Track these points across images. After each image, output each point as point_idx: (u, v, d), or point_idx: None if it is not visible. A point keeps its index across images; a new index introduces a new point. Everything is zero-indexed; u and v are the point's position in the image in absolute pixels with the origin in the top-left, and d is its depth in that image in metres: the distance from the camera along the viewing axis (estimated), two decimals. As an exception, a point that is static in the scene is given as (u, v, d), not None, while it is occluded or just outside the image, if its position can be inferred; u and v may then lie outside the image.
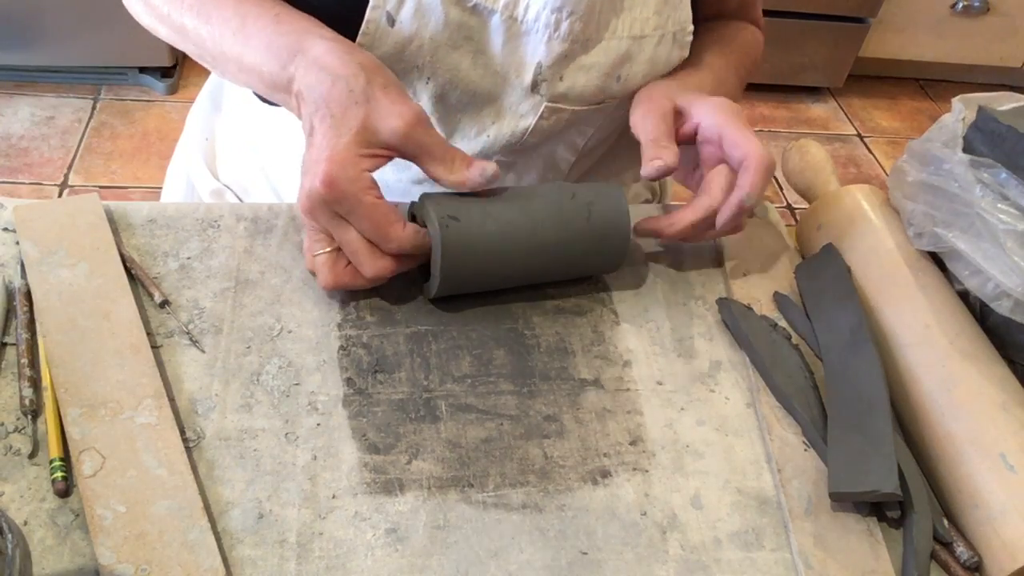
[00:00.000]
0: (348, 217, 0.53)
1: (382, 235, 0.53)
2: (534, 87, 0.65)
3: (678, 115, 0.64)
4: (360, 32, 0.62)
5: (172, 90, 2.10)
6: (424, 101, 0.67)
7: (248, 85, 0.63)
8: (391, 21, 0.61)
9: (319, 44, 0.56)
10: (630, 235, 0.61)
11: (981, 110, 0.60)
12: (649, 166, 0.60)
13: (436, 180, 0.57)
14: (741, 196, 0.59)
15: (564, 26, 0.62)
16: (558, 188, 0.60)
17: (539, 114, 0.67)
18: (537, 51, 0.64)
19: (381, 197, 0.54)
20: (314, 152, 0.54)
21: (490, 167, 0.56)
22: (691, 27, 0.68)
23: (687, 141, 0.64)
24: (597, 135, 0.74)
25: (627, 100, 0.68)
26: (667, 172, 0.60)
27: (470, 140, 0.70)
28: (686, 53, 0.69)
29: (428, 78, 0.65)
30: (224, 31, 0.60)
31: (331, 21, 0.59)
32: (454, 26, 0.62)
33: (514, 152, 0.71)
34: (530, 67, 0.65)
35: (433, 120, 0.69)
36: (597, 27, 0.64)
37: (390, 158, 0.55)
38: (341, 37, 0.58)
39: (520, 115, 0.67)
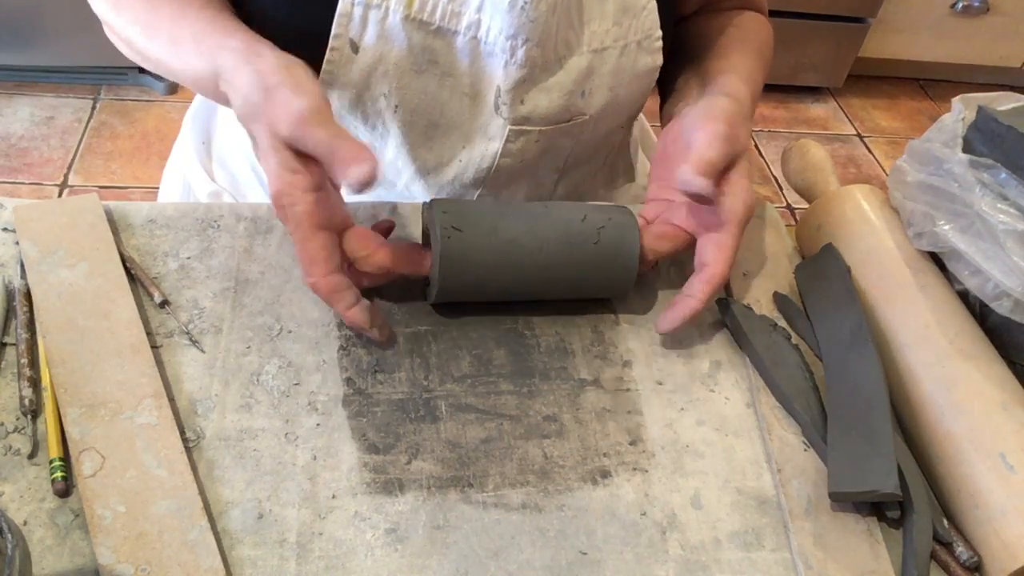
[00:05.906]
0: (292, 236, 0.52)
1: (305, 269, 0.52)
2: (496, 109, 0.64)
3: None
4: (325, 60, 0.61)
5: (172, 90, 2.10)
6: (393, 129, 0.67)
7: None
8: (355, 48, 0.60)
9: (227, 59, 0.54)
10: (637, 264, 0.59)
11: (981, 110, 0.60)
12: (690, 178, 0.55)
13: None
14: (696, 307, 0.58)
15: (520, 53, 0.60)
16: (571, 208, 0.60)
17: (505, 137, 0.65)
18: (497, 74, 0.62)
19: (321, 226, 0.51)
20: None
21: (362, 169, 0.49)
22: (658, 33, 0.65)
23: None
24: (576, 150, 0.72)
25: (601, 114, 0.67)
26: (699, 194, 0.56)
27: (442, 167, 0.69)
28: (658, 59, 0.67)
29: (396, 105, 0.64)
30: (169, 57, 0.60)
31: (294, 49, 0.55)
32: (418, 50, 0.61)
33: (494, 185, 0.70)
34: (493, 88, 0.63)
35: (403, 149, 0.68)
36: (555, 48, 0.62)
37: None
38: (247, 39, 0.55)
39: (488, 138, 0.66)
